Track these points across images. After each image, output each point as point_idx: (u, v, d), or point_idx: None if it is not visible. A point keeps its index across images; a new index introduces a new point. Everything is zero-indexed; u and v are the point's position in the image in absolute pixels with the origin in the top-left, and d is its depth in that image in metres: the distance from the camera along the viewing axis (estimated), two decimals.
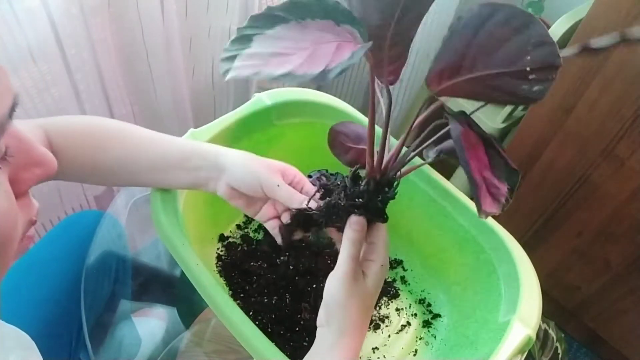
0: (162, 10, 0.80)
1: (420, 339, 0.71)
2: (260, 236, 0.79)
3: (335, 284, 0.44)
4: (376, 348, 0.69)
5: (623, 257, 0.92)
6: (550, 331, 0.89)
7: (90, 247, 0.70)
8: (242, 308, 0.53)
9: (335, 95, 0.75)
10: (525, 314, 0.56)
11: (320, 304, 0.46)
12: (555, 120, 0.88)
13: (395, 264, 0.79)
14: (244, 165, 0.52)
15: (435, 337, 0.71)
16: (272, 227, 0.56)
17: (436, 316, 0.73)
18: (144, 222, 0.81)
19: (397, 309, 0.74)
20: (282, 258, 0.74)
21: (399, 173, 0.47)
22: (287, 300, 0.69)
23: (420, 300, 0.75)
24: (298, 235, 0.54)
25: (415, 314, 0.73)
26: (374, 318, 0.72)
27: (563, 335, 0.91)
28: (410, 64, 1.21)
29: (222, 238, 0.77)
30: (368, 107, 0.43)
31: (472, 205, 0.64)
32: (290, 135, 0.75)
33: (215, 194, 0.56)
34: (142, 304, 0.85)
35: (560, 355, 0.88)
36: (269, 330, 0.67)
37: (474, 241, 0.66)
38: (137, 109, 0.94)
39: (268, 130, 0.73)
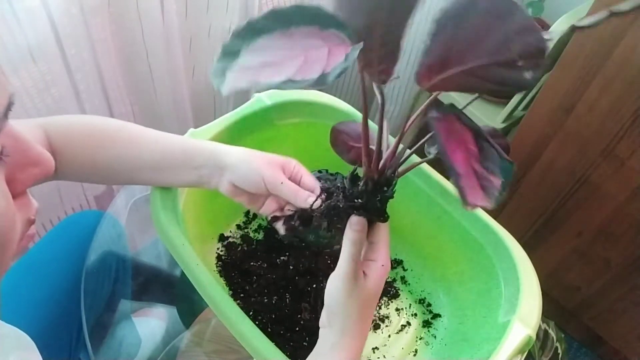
0: (162, 10, 0.80)
1: (420, 339, 0.71)
2: (260, 236, 0.79)
3: (336, 284, 0.44)
4: (376, 348, 0.69)
5: (623, 257, 0.92)
6: (550, 331, 0.89)
7: (90, 247, 0.70)
8: (242, 308, 0.53)
9: (335, 95, 0.75)
10: (525, 314, 0.56)
11: (320, 304, 0.46)
12: (555, 120, 0.88)
13: (395, 264, 0.79)
14: (246, 164, 0.52)
15: (435, 337, 0.71)
16: (276, 220, 0.55)
17: (436, 316, 0.73)
18: (144, 222, 0.81)
19: (397, 309, 0.74)
20: (282, 258, 0.74)
21: (397, 172, 0.47)
22: (287, 300, 0.69)
23: (420, 300, 0.75)
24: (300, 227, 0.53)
25: (415, 314, 0.73)
26: (374, 318, 0.72)
27: (563, 335, 0.91)
28: (410, 62, 1.21)
29: (222, 238, 0.77)
30: (362, 106, 0.43)
31: None
32: (290, 135, 0.75)
33: (217, 191, 0.56)
34: (142, 304, 0.85)
35: (560, 355, 0.88)
36: (269, 330, 0.67)
37: (474, 241, 0.66)
38: (137, 109, 0.94)
39: (268, 130, 0.73)
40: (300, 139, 0.75)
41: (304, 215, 0.51)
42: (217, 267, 0.73)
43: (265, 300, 0.69)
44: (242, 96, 1.08)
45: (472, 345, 0.62)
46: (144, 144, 0.55)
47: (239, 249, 0.76)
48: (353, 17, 0.36)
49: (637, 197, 0.84)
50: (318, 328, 0.46)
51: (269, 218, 0.55)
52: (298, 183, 0.52)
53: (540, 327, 0.66)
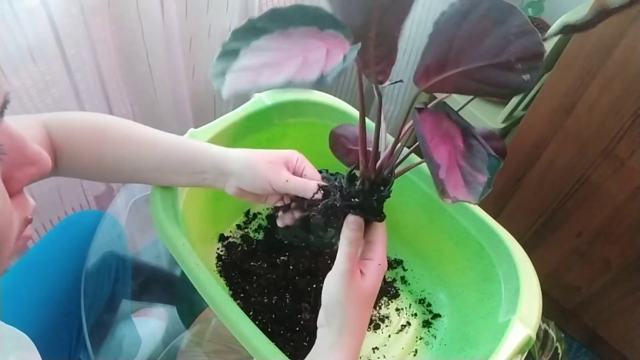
0: (162, 10, 0.80)
1: (420, 339, 0.71)
2: (260, 236, 0.79)
3: (333, 283, 0.44)
4: (376, 348, 0.69)
5: (623, 257, 0.92)
6: (550, 331, 0.89)
7: (90, 247, 0.70)
8: (242, 308, 0.53)
9: (335, 95, 0.75)
10: (525, 314, 0.56)
11: (320, 304, 0.46)
12: (555, 120, 0.88)
13: (395, 264, 0.79)
14: (250, 170, 0.52)
15: (435, 337, 0.71)
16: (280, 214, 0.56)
17: (436, 316, 0.73)
18: (144, 222, 0.81)
19: (397, 309, 0.74)
20: (282, 258, 0.74)
21: (394, 172, 0.47)
22: (287, 300, 0.70)
23: (420, 300, 0.75)
24: (297, 214, 0.53)
25: (415, 314, 0.73)
26: (374, 318, 0.72)
27: (563, 335, 0.91)
28: (410, 63, 1.21)
29: (222, 238, 0.77)
30: (359, 106, 0.43)
31: (472, 205, 0.65)
32: (290, 135, 0.75)
33: (219, 191, 0.56)
34: (142, 304, 0.85)
35: (560, 355, 0.88)
36: (269, 330, 0.67)
37: (474, 241, 0.66)
38: (137, 109, 0.94)
39: (268, 130, 0.73)
40: (300, 139, 0.75)
41: (301, 205, 0.51)
42: (217, 267, 0.73)
43: (265, 300, 0.69)
44: (242, 96, 1.08)
45: (472, 345, 0.62)
46: (147, 145, 0.55)
47: (239, 249, 0.76)
48: (349, 17, 0.36)
49: (637, 197, 0.84)
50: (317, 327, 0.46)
51: (272, 209, 0.55)
52: (301, 175, 0.53)
53: (540, 327, 0.66)
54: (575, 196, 0.93)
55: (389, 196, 0.47)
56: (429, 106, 0.39)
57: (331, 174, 0.53)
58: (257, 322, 0.65)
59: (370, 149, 0.45)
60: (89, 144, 0.54)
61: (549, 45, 0.86)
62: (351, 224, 0.46)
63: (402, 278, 0.77)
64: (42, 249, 0.71)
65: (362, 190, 0.46)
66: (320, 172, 0.54)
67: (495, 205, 1.08)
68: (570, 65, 0.82)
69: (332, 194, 0.49)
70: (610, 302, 1.00)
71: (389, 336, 0.71)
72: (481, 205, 0.64)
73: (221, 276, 0.72)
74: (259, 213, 0.82)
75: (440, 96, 0.49)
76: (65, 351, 0.68)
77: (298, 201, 0.52)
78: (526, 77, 0.33)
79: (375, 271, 0.46)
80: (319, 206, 0.49)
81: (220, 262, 0.74)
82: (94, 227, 0.72)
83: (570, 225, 0.97)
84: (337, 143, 0.58)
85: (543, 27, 1.12)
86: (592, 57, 0.78)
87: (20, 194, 0.33)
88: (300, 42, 0.36)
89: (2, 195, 0.30)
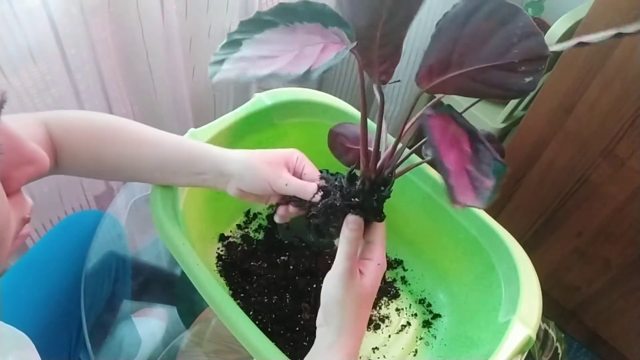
0: (162, 10, 0.80)
1: (420, 339, 0.71)
2: (260, 236, 0.79)
3: (332, 282, 0.44)
4: (376, 348, 0.69)
5: (623, 257, 0.92)
6: (550, 331, 0.89)
7: (90, 247, 0.70)
8: (242, 308, 0.53)
9: (335, 95, 0.75)
10: (525, 314, 0.56)
11: (320, 304, 0.46)
12: (555, 120, 0.88)
13: (395, 264, 0.79)
14: (250, 172, 0.52)
15: (435, 337, 0.71)
16: (282, 211, 0.56)
17: (436, 316, 0.73)
18: (144, 222, 0.81)
19: (397, 309, 0.74)
20: (282, 258, 0.74)
21: (394, 172, 0.47)
22: (287, 300, 0.70)
23: (420, 301, 0.75)
24: (292, 210, 0.54)
25: (416, 314, 0.73)
26: (374, 318, 0.72)
27: (563, 335, 0.91)
28: (410, 63, 1.21)
29: (222, 238, 0.77)
30: (360, 106, 0.43)
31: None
32: (290, 135, 0.75)
33: (220, 191, 0.56)
34: (142, 304, 0.85)
35: (560, 355, 0.88)
36: (269, 330, 0.67)
37: (474, 241, 0.66)
38: (137, 109, 0.94)
39: (268, 130, 0.73)
40: (300, 139, 0.74)
41: (301, 205, 0.51)
42: (217, 267, 0.73)
43: (265, 300, 0.69)
44: (242, 96, 1.08)
45: (472, 346, 0.62)
46: (145, 144, 0.55)
47: (239, 248, 0.76)
48: (356, 16, 0.36)
49: (637, 197, 0.84)
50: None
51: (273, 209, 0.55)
52: (301, 174, 0.53)
53: (540, 327, 0.66)
54: (575, 196, 0.93)
55: (389, 196, 0.47)
56: (434, 108, 0.39)
57: (331, 174, 0.53)
58: (257, 322, 0.64)
59: (371, 148, 0.45)
60: (88, 142, 0.54)
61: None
62: (351, 224, 0.46)
63: (402, 278, 0.77)
64: (42, 249, 0.71)
65: (362, 190, 0.46)
66: (320, 171, 0.54)
67: (495, 205, 1.08)
68: (570, 65, 0.82)
69: (332, 193, 0.49)
70: (610, 302, 1.00)
71: (389, 336, 0.71)
72: None
73: (221, 276, 0.72)
74: (259, 213, 0.82)
75: (439, 95, 0.49)
76: (65, 351, 0.68)
77: (298, 201, 0.52)
78: (528, 79, 0.33)
79: (374, 271, 0.46)
80: (319, 206, 0.49)
81: (220, 262, 0.74)
82: (94, 227, 0.72)
83: (570, 225, 0.97)
84: (336, 142, 0.58)
85: (543, 27, 1.12)
86: (592, 57, 0.78)
87: (18, 194, 0.33)
88: (301, 38, 0.36)
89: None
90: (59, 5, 0.70)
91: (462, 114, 0.41)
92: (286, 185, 0.51)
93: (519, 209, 1.04)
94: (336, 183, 0.50)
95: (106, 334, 0.73)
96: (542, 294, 0.58)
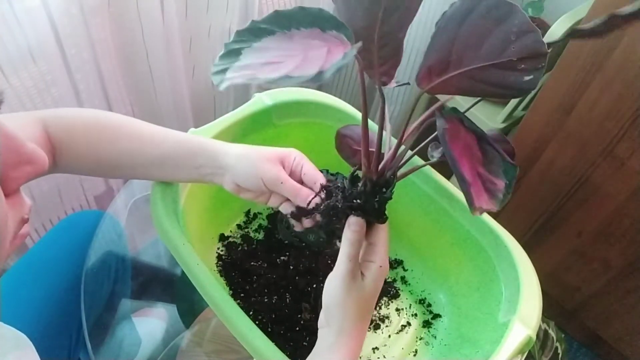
0: (162, 10, 0.80)
1: (420, 339, 0.71)
2: (260, 236, 0.79)
3: (334, 284, 0.44)
4: (376, 348, 0.69)
5: (623, 257, 0.92)
6: (550, 331, 0.89)
7: (90, 247, 0.70)
8: (242, 308, 0.53)
9: (335, 95, 0.75)
10: (525, 314, 0.56)
11: (320, 304, 0.46)
12: (555, 120, 0.88)
13: (395, 264, 0.79)
14: (244, 165, 0.52)
15: (435, 337, 0.71)
16: (286, 210, 0.55)
17: (436, 316, 0.73)
18: (144, 222, 0.81)
19: (397, 309, 0.74)
20: (282, 258, 0.74)
21: (397, 173, 0.47)
22: (287, 300, 0.70)
23: (420, 301, 0.75)
24: (308, 224, 0.53)
25: (416, 314, 0.73)
26: (374, 318, 0.72)
27: (563, 335, 0.91)
28: (410, 63, 1.21)
29: (222, 238, 0.77)
30: (361, 107, 0.43)
31: None
32: (290, 135, 0.75)
33: (220, 189, 0.56)
34: (142, 304, 0.85)
35: (560, 355, 0.88)
36: (269, 330, 0.67)
37: (474, 241, 0.66)
38: (137, 109, 0.94)
39: (268, 130, 0.73)
40: (300, 139, 0.74)
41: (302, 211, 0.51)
42: (217, 266, 0.73)
43: (265, 300, 0.69)
44: (242, 96, 1.08)
45: (472, 346, 0.62)
46: (146, 141, 0.55)
47: (239, 248, 0.76)
48: (352, 18, 0.36)
49: (637, 197, 0.84)
50: (318, 328, 0.46)
51: (280, 209, 0.54)
52: (300, 174, 0.53)
53: (540, 327, 0.66)
54: (575, 196, 0.93)
55: (390, 198, 0.47)
56: (443, 115, 0.38)
57: (332, 174, 0.53)
58: (257, 322, 0.65)
59: (373, 149, 0.45)
60: (87, 139, 0.53)
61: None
62: (352, 225, 0.46)
63: (402, 278, 0.77)
64: (42, 249, 0.71)
65: (364, 191, 0.46)
66: (320, 172, 0.54)
67: None
68: (570, 65, 0.82)
69: (334, 194, 0.49)
70: (610, 302, 1.00)
71: (389, 336, 0.71)
72: None
73: (221, 276, 0.72)
74: (260, 213, 0.82)
75: (443, 99, 0.49)
76: (65, 351, 0.68)
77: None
78: (528, 77, 0.33)
79: (376, 273, 0.46)
80: (321, 207, 0.49)
81: (220, 262, 0.74)
82: (94, 227, 0.72)
83: (570, 225, 0.97)
84: (343, 143, 0.58)
85: (543, 27, 1.12)
86: (592, 57, 0.78)
87: (17, 194, 0.33)
88: (301, 43, 0.36)
89: None
90: (59, 5, 0.70)
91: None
92: (281, 183, 0.51)
93: (519, 209, 1.04)
94: (338, 184, 0.50)
95: (106, 334, 0.73)
96: (542, 294, 0.58)
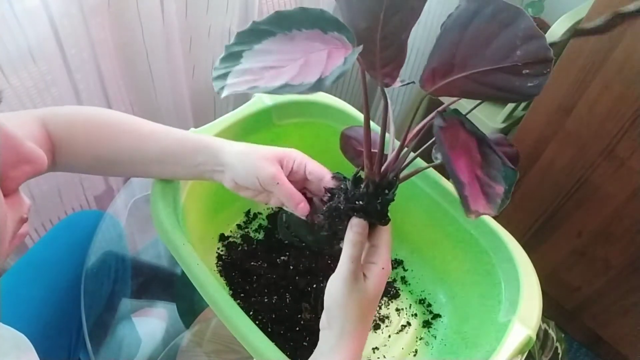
0: (162, 10, 0.80)
1: (420, 339, 0.71)
2: (260, 236, 0.79)
3: (336, 285, 0.44)
4: (376, 348, 0.69)
5: (623, 257, 0.92)
6: (550, 331, 0.89)
7: (90, 247, 0.70)
8: (242, 308, 0.53)
9: (336, 95, 0.75)
10: (525, 314, 0.56)
11: (320, 304, 0.46)
12: (555, 120, 0.88)
13: (395, 264, 0.79)
14: (241, 163, 0.52)
15: (435, 337, 0.71)
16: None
17: (436, 316, 0.73)
18: (144, 222, 0.81)
19: (397, 309, 0.74)
20: (282, 258, 0.74)
21: (400, 175, 0.47)
22: (287, 300, 0.69)
23: (420, 301, 0.75)
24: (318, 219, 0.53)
25: (416, 314, 0.73)
26: (374, 318, 0.72)
27: (563, 335, 0.91)
28: (409, 63, 1.21)
29: (222, 238, 0.77)
30: (363, 108, 0.43)
31: None
32: (290, 135, 0.75)
33: (220, 186, 0.56)
34: (142, 304, 0.85)
35: (560, 355, 0.88)
36: (269, 330, 0.67)
37: (474, 241, 0.66)
38: (137, 108, 0.94)
39: (268, 130, 0.73)
40: (300, 139, 0.74)
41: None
42: (217, 266, 0.73)
43: (266, 300, 0.69)
44: (242, 96, 1.08)
45: (472, 346, 0.62)
46: (146, 138, 0.55)
47: (239, 248, 0.76)
48: (354, 19, 0.36)
49: (637, 197, 0.84)
50: (318, 328, 0.46)
51: (284, 207, 0.54)
52: (303, 174, 0.52)
53: (540, 327, 0.66)
54: (575, 196, 0.93)
55: (393, 200, 0.47)
56: (443, 117, 0.38)
57: (335, 174, 0.53)
58: (257, 322, 0.64)
59: (376, 150, 0.45)
60: (87, 136, 0.53)
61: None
62: (355, 227, 0.46)
63: (402, 278, 0.77)
64: (42, 248, 0.71)
65: (366, 193, 0.46)
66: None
67: None
68: (570, 65, 0.82)
69: (336, 196, 0.49)
70: (610, 302, 1.00)
71: (389, 336, 0.71)
72: None
73: (221, 276, 0.72)
74: (260, 213, 0.82)
75: (447, 101, 0.48)
76: (65, 351, 0.68)
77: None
78: (532, 82, 0.33)
79: (378, 275, 0.45)
80: (324, 208, 0.49)
81: (220, 262, 0.74)
82: (94, 227, 0.72)
83: (570, 225, 0.97)
84: (347, 145, 0.57)
85: (543, 27, 1.12)
86: (592, 57, 0.78)
87: (16, 194, 0.32)
88: (302, 45, 0.36)
89: None
90: (59, 6, 0.70)
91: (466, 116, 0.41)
92: (277, 184, 0.51)
93: (519, 209, 1.04)
94: (341, 185, 0.50)
95: (106, 333, 0.73)
96: (542, 294, 0.58)
